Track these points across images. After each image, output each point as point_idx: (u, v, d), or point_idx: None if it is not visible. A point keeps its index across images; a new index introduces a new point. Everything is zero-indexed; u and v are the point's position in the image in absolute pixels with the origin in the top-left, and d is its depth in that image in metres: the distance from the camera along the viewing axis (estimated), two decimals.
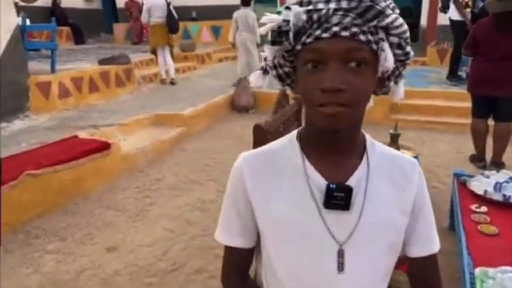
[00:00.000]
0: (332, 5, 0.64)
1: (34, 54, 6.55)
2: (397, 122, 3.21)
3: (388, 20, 0.66)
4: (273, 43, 0.72)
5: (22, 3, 5.94)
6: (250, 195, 0.79)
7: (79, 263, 2.60)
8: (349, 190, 0.74)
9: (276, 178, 0.79)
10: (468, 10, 5.92)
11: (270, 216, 0.78)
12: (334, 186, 0.73)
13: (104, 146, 3.74)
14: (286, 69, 0.76)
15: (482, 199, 2.40)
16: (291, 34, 0.68)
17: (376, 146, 0.81)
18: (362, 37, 0.65)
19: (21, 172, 2.99)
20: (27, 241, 2.82)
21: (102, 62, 6.33)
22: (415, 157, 3.17)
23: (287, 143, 0.81)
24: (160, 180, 3.85)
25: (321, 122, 0.69)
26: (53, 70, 5.47)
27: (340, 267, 0.75)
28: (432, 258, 0.85)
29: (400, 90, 0.78)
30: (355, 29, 0.65)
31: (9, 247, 2.75)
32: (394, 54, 0.70)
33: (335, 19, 0.64)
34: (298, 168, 0.77)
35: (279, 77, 0.78)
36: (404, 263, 1.93)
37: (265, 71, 0.78)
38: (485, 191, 2.40)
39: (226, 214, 0.85)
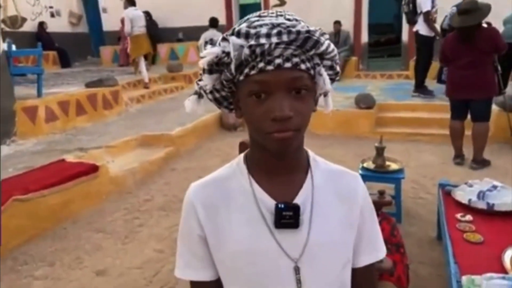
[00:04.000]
0: (274, 39, 0.67)
1: (20, 79, 6.54)
2: (382, 136, 3.28)
3: (323, 47, 0.72)
4: (210, 72, 0.74)
5: (7, 29, 5.94)
6: (204, 225, 0.79)
7: None
8: (296, 209, 0.76)
9: (226, 205, 0.80)
10: (435, 25, 6.14)
11: (224, 245, 0.79)
12: (283, 205, 0.76)
13: (91, 169, 3.72)
14: (224, 93, 0.79)
15: (467, 208, 2.44)
16: (232, 66, 0.71)
17: (319, 162, 0.85)
18: (303, 66, 0.70)
19: (8, 197, 2.97)
20: (15, 268, 2.78)
21: (89, 85, 6.33)
22: (401, 169, 3.23)
23: (235, 168, 0.83)
24: (149, 200, 3.84)
25: (271, 146, 0.73)
26: (39, 94, 5.46)
27: (298, 283, 0.77)
28: (373, 266, 0.88)
29: (329, 103, 0.83)
30: (296, 59, 0.69)
31: None
32: (327, 75, 0.76)
33: (277, 52, 0.68)
34: (246, 191, 0.79)
35: (216, 100, 0.81)
36: (392, 274, 1.95)
37: (199, 95, 0.80)
38: (469, 200, 2.45)
39: (182, 248, 0.84)
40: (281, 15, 0.72)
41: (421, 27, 6.12)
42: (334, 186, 0.82)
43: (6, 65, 4.87)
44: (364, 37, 9.58)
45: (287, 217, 0.75)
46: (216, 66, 0.73)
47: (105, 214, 3.58)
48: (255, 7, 10.50)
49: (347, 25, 9.28)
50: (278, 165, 0.78)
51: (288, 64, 0.68)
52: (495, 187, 2.51)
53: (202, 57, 0.73)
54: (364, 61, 9.72)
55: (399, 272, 2.02)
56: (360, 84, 7.89)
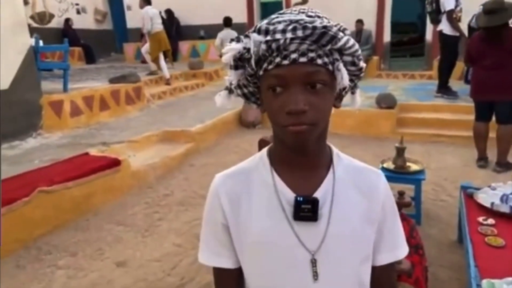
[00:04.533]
0: (289, 35, 0.69)
1: (47, 74, 6.72)
2: (402, 136, 3.24)
3: (341, 43, 0.72)
4: (236, 67, 0.77)
5: (35, 25, 6.12)
6: (227, 214, 0.82)
7: (89, 278, 2.64)
8: (315, 202, 0.77)
9: (248, 195, 0.82)
10: (460, 24, 6.01)
11: (245, 234, 0.81)
12: (301, 198, 0.78)
13: (114, 163, 3.81)
14: (250, 89, 0.81)
15: (489, 211, 2.40)
16: (252, 61, 0.73)
17: (342, 158, 0.86)
18: (319, 61, 0.71)
19: (34, 188, 3.07)
20: (39, 257, 2.87)
21: (112, 81, 6.48)
22: (421, 170, 3.18)
23: (258, 161, 0.85)
24: (168, 195, 3.90)
25: (288, 140, 0.75)
26: (65, 89, 5.61)
27: (315, 276, 0.78)
28: (393, 264, 0.88)
29: (357, 99, 0.84)
30: (312, 54, 0.70)
31: (21, 262, 2.80)
32: (349, 71, 0.76)
33: (292, 47, 0.69)
34: (268, 183, 0.81)
35: (245, 96, 0.83)
36: (410, 276, 1.93)
37: (230, 91, 0.83)
38: (492, 203, 2.40)
39: (206, 235, 0.87)
40: (303, 12, 0.73)
41: (444, 27, 6.00)
42: (355, 181, 0.83)
43: (34, 60, 5.02)
44: (387, 36, 9.46)
45: (306, 210, 0.77)
46: (240, 61, 0.76)
47: (126, 207, 3.65)
48: (277, 5, 10.48)
49: (370, 24, 9.18)
50: (299, 159, 0.80)
51: (303, 59, 0.70)
52: None
53: (224, 53, 0.76)
54: (386, 60, 9.59)
55: (417, 274, 2.00)
56: (381, 84, 7.79)
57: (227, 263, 0.85)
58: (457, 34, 5.94)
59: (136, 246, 3.02)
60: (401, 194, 2.43)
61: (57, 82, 6.10)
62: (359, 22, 8.89)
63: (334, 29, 0.71)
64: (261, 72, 0.74)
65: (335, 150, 0.86)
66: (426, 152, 4.85)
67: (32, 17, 5.77)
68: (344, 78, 0.74)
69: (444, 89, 6.29)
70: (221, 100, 0.84)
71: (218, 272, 0.87)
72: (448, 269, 2.59)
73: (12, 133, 4.58)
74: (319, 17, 0.73)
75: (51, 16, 5.99)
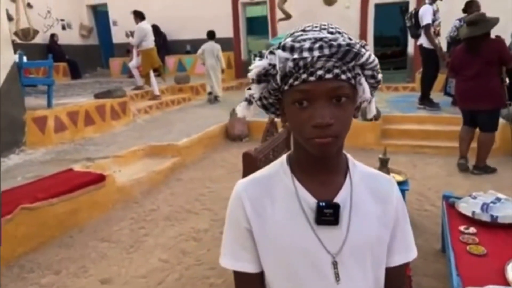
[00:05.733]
0: (316, 53, 0.72)
1: (31, 90, 6.67)
2: (386, 147, 3.28)
3: (363, 59, 0.76)
4: (258, 81, 0.81)
5: (19, 41, 6.09)
6: (250, 219, 0.85)
7: None
8: (337, 207, 0.82)
9: (271, 201, 0.86)
10: (439, 38, 6.21)
11: (268, 238, 0.85)
12: (324, 204, 0.81)
13: (99, 179, 3.77)
14: (271, 101, 0.84)
15: (471, 220, 2.43)
16: (278, 77, 0.77)
17: (357, 166, 0.90)
18: (343, 76, 0.74)
19: (16, 206, 3.02)
20: (21, 275, 2.81)
21: (98, 96, 6.45)
22: (405, 181, 3.23)
23: (279, 168, 0.89)
24: (154, 210, 3.87)
25: (313, 151, 0.79)
26: (49, 105, 5.57)
27: (337, 277, 0.82)
28: (403, 266, 0.92)
29: (372, 108, 0.88)
30: (336, 71, 0.74)
31: (3, 281, 2.73)
32: (368, 83, 0.81)
33: (319, 64, 0.73)
34: (289, 189, 0.85)
35: (264, 107, 0.87)
36: None
37: (249, 102, 0.86)
38: (473, 212, 2.44)
39: (228, 239, 0.89)
40: (325, 29, 0.77)
41: (424, 41, 6.19)
42: (370, 187, 0.88)
43: (17, 76, 4.98)
44: (370, 50, 9.63)
45: (328, 215, 0.81)
46: (264, 76, 0.79)
47: (111, 223, 3.61)
48: (262, 20, 10.64)
49: (353, 38, 9.36)
50: (318, 167, 0.84)
51: (329, 75, 0.73)
52: (499, 199, 2.50)
53: (250, 69, 0.80)
54: None
55: None
56: None
57: (249, 268, 0.87)
58: (439, 47, 6.11)
59: (121, 262, 2.98)
60: None
61: (41, 98, 6.06)
62: None
63: (357, 46, 0.75)
64: (286, 87, 0.77)
65: (350, 158, 0.90)
66: (410, 162, 4.92)
67: (16, 34, 5.74)
68: (366, 91, 0.79)
69: (426, 101, 6.43)
70: (242, 111, 0.88)
71: (240, 277, 0.89)
72: (432, 278, 2.62)
73: None
74: (339, 33, 0.77)
75: (35, 32, 5.97)
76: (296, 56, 0.73)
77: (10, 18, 6.10)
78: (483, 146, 4.36)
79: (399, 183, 3.20)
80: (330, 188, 0.84)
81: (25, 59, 5.82)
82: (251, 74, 0.80)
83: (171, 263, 2.92)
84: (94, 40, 13.18)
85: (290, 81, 0.76)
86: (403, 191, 3.17)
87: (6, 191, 3.35)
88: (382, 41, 10.49)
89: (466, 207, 2.53)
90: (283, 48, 0.75)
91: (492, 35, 4.25)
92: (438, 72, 6.34)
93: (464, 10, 6.00)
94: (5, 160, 4.53)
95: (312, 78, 0.73)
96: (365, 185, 0.87)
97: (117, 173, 4.25)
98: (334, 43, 0.73)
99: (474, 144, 4.53)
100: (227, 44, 8.87)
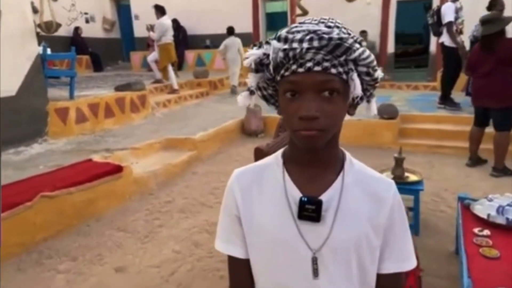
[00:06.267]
0: (305, 45, 0.73)
1: (54, 81, 6.83)
2: (401, 146, 3.26)
3: (356, 54, 0.75)
4: (256, 71, 0.82)
5: (43, 33, 6.24)
6: (239, 207, 0.88)
7: (88, 283, 2.67)
8: (319, 203, 0.81)
9: (260, 192, 0.87)
10: (462, 36, 6.06)
11: (253, 227, 0.87)
12: (306, 199, 0.81)
13: (116, 169, 3.86)
14: (270, 92, 0.86)
15: (486, 223, 2.40)
16: (270, 67, 0.78)
17: (355, 165, 0.88)
18: (333, 70, 0.74)
19: (37, 193, 3.12)
20: (40, 261, 2.91)
21: (118, 88, 6.57)
22: (420, 181, 3.20)
23: (274, 160, 0.90)
24: (169, 202, 3.94)
25: (299, 143, 0.80)
26: (71, 96, 5.71)
27: (315, 273, 0.82)
28: (399, 276, 0.89)
29: (373, 108, 0.88)
30: (326, 64, 0.74)
31: (22, 266, 2.84)
32: (364, 81, 0.80)
33: (308, 56, 0.74)
34: (279, 181, 0.86)
35: (264, 98, 0.88)
36: (403, 285, 1.95)
37: (251, 92, 0.87)
38: (488, 215, 2.41)
39: (222, 225, 0.93)
40: (323, 22, 0.77)
41: (446, 39, 6.06)
42: (365, 188, 0.85)
43: (41, 68, 5.12)
44: (390, 47, 9.50)
45: (310, 210, 0.81)
46: (260, 66, 0.81)
47: (128, 213, 3.70)
48: (282, 16, 10.60)
49: (373, 35, 9.24)
50: (308, 160, 0.84)
51: (318, 68, 0.74)
52: None
53: (246, 57, 0.81)
54: (390, 71, 9.61)
55: (410, 283, 2.01)
56: (384, 94, 7.80)
57: (239, 253, 0.89)
58: (461, 45, 5.97)
59: (136, 252, 3.05)
60: None
61: (64, 89, 6.20)
62: (363, 33, 8.96)
63: (350, 40, 0.75)
64: (278, 78, 0.79)
65: (348, 156, 0.89)
66: (428, 162, 4.85)
67: (39, 26, 5.89)
68: (356, 87, 0.78)
69: (446, 100, 6.31)
70: (242, 100, 0.88)
71: (231, 261, 0.92)
72: (445, 280, 2.59)
73: (18, 139, 4.66)
74: (337, 27, 0.76)
75: (58, 25, 6.09)
76: (287, 46, 0.74)
77: (35, 11, 6.25)
78: (499, 146, 4.34)
79: (414, 183, 3.18)
80: (319, 184, 0.83)
81: (49, 51, 5.98)
82: (247, 62, 0.81)
83: (183, 254, 2.97)
84: (116, 33, 13.40)
85: (282, 71, 0.77)
86: (417, 191, 3.14)
87: (27, 179, 3.47)
88: (403, 38, 10.31)
89: (481, 209, 2.50)
90: (278, 39, 0.76)
91: None
92: (459, 71, 6.20)
93: (489, 9, 5.85)
94: (27, 149, 4.68)
95: (301, 70, 0.74)
96: (360, 185, 0.85)
97: (134, 165, 4.33)
98: (326, 36, 0.73)
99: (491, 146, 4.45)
100: (246, 40, 8.92)
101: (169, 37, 7.80)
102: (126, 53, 13.04)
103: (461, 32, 6.08)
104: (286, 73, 0.76)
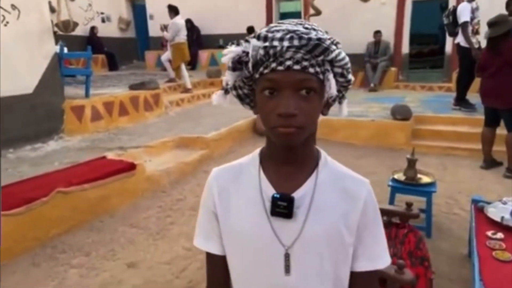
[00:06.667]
0: (285, 43, 0.75)
1: (70, 80, 6.96)
2: (414, 147, 3.23)
3: (332, 55, 0.78)
4: (234, 69, 0.83)
5: (60, 33, 6.37)
6: (216, 204, 0.89)
7: (101, 278, 2.72)
8: (290, 200, 0.82)
9: (237, 189, 0.89)
10: (478, 37, 5.95)
11: (229, 224, 0.89)
12: (278, 195, 0.83)
13: (130, 167, 3.91)
14: (245, 91, 0.87)
15: (499, 226, 2.37)
16: (250, 65, 0.79)
17: (329, 163, 0.90)
18: (311, 70, 0.76)
19: (52, 189, 3.19)
20: (54, 255, 2.98)
21: (132, 87, 6.65)
22: (433, 182, 3.16)
23: (251, 158, 0.92)
24: (181, 200, 3.98)
25: (277, 140, 0.81)
26: (87, 95, 5.80)
27: (287, 269, 0.84)
28: (372, 274, 0.89)
29: (343, 109, 0.90)
30: (305, 63, 0.76)
31: (36, 260, 2.91)
32: (338, 82, 0.82)
33: (288, 55, 0.75)
34: (254, 179, 0.88)
35: (239, 97, 0.89)
36: (413, 287, 1.93)
37: (226, 91, 0.89)
38: (502, 218, 2.38)
39: (200, 221, 0.95)
40: (301, 24, 0.79)
41: (461, 39, 5.98)
42: (338, 186, 0.87)
43: (58, 66, 5.22)
44: (405, 48, 9.40)
45: (282, 207, 0.82)
46: (238, 64, 0.82)
47: (140, 210, 3.75)
48: (295, 15, 10.58)
49: (388, 35, 9.15)
50: (284, 158, 0.86)
51: (297, 67, 0.75)
52: None
53: (224, 55, 0.82)
54: (404, 71, 9.52)
55: (421, 285, 2.00)
56: (398, 95, 7.74)
57: (217, 249, 0.91)
58: (476, 46, 5.89)
59: (148, 248, 3.10)
60: (408, 205, 2.42)
61: (79, 87, 6.31)
62: (378, 33, 8.88)
63: (328, 42, 0.77)
64: (257, 75, 0.80)
65: (324, 155, 0.90)
66: (441, 164, 4.80)
67: (57, 25, 6.01)
68: (332, 87, 0.80)
69: (462, 101, 6.22)
70: (217, 99, 0.91)
71: (209, 257, 0.94)
72: (457, 283, 2.57)
73: (35, 136, 4.76)
74: (314, 29, 0.78)
75: (75, 24, 6.21)
76: (267, 44, 0.76)
77: (52, 10, 6.38)
78: (511, 147, 4.33)
79: (427, 185, 3.15)
80: (293, 182, 0.85)
81: (65, 50, 6.09)
82: (225, 59, 0.82)
83: (194, 252, 3.00)
84: (132, 33, 13.55)
85: (261, 69, 0.78)
86: (430, 193, 3.12)
87: (43, 175, 3.54)
88: (418, 39, 10.18)
89: (495, 212, 2.47)
90: (258, 37, 0.78)
91: None
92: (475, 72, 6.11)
93: (507, 9, 5.75)
94: (43, 145, 4.77)
95: (280, 68, 0.75)
96: (334, 183, 0.86)
97: (147, 163, 4.38)
98: (305, 36, 0.75)
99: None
100: None
101: (182, 37, 7.87)
102: (140, 52, 13.18)
103: (477, 33, 5.98)
104: (266, 71, 0.77)
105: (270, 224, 0.84)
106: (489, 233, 2.31)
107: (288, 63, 0.75)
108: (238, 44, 0.81)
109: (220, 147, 5.38)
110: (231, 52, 0.81)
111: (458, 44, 6.12)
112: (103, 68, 11.17)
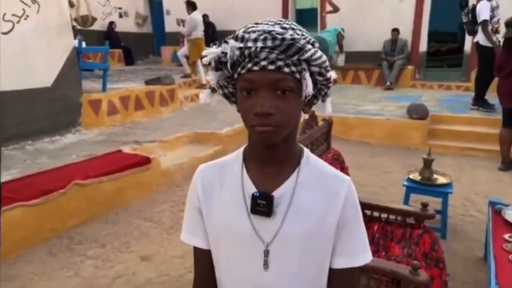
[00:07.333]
0: (259, 44, 0.76)
1: (88, 74, 7.05)
2: (430, 147, 3.19)
3: (307, 54, 0.78)
4: (216, 69, 0.85)
5: (79, 27, 6.46)
6: (201, 200, 0.92)
7: (115, 270, 2.76)
8: (270, 199, 0.84)
9: (221, 187, 0.91)
10: (498, 36, 5.83)
11: (212, 220, 0.91)
12: (257, 194, 0.85)
13: (145, 161, 3.96)
14: (230, 90, 0.88)
15: None
16: (228, 65, 0.81)
17: (311, 162, 0.90)
18: (286, 69, 0.77)
19: (70, 181, 3.25)
20: (70, 246, 3.04)
21: (148, 82, 6.71)
22: (449, 183, 3.12)
23: (235, 156, 0.93)
24: None
25: (256, 138, 0.83)
26: (104, 89, 5.88)
27: (265, 265, 0.86)
28: (351, 271, 0.90)
29: (327, 107, 0.91)
30: (280, 63, 0.77)
31: (53, 250, 2.97)
32: (317, 81, 0.84)
33: (262, 55, 0.76)
34: (237, 177, 0.89)
35: (225, 96, 0.91)
36: None
37: (213, 90, 0.90)
38: None
39: (186, 217, 0.97)
40: (278, 24, 0.80)
41: (481, 38, 5.85)
42: (319, 184, 0.88)
43: (76, 60, 5.30)
44: (423, 46, 9.24)
45: (261, 206, 0.84)
46: (220, 64, 0.83)
47: (154, 204, 3.79)
48: (312, 12, 10.51)
49: (406, 33, 9.01)
50: (265, 157, 0.87)
51: (271, 67, 0.76)
52: None
53: (204, 55, 0.84)
54: (421, 70, 9.37)
55: (436, 287, 1.98)
56: (415, 94, 7.63)
57: (202, 244, 0.94)
58: (496, 45, 5.76)
59: (161, 242, 3.13)
60: (424, 206, 2.39)
61: (97, 82, 6.39)
62: (395, 31, 8.76)
63: (303, 41, 0.78)
64: (235, 75, 0.81)
65: (306, 153, 0.91)
66: (458, 165, 4.73)
67: (76, 20, 6.10)
68: (308, 86, 0.81)
69: (480, 101, 6.10)
70: (204, 98, 0.92)
71: (196, 252, 0.96)
72: (472, 286, 2.53)
73: (53, 128, 4.85)
74: (292, 29, 0.79)
75: (94, 19, 6.29)
76: (242, 45, 0.77)
77: (71, 5, 6.47)
78: None
79: (443, 186, 3.11)
80: (275, 180, 0.86)
81: (84, 44, 6.17)
82: (205, 60, 0.84)
83: None
84: (148, 28, 13.64)
85: (238, 69, 0.79)
86: (446, 194, 3.07)
87: (61, 167, 3.61)
88: (437, 37, 10.00)
89: None
90: (236, 38, 0.79)
91: None
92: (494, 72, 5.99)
93: None
94: (61, 138, 4.86)
95: (255, 68, 0.77)
96: (315, 181, 0.87)
97: (162, 157, 4.42)
98: (279, 36, 0.76)
99: None
100: None
101: (199, 32, 7.88)
102: (157, 47, 13.26)
103: (496, 31, 5.85)
104: (242, 71, 0.79)
105: (250, 221, 0.86)
106: (506, 236, 2.27)
107: (263, 63, 0.76)
108: (219, 45, 0.83)
109: (234, 143, 5.38)
110: (210, 53, 0.83)
111: (477, 43, 5.99)
112: (120, 63, 11.28)
